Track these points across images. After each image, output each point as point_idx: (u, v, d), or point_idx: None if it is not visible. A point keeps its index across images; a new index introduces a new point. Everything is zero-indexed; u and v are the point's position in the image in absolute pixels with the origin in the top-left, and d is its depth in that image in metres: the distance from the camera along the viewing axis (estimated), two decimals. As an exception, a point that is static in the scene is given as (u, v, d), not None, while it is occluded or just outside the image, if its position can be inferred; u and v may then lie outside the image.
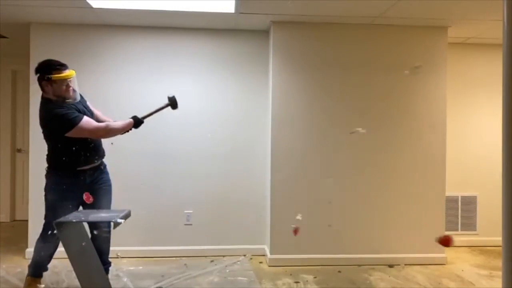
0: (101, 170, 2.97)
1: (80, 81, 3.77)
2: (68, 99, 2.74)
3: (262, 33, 3.95)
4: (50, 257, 2.86)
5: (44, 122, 2.72)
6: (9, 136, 5.25)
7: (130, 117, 2.93)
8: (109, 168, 3.81)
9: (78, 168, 2.80)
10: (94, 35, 3.83)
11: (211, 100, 3.95)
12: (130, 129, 2.94)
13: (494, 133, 4.29)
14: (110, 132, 2.85)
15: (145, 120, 3.01)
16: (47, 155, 2.82)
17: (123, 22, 3.76)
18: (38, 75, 2.71)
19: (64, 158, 2.74)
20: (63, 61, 2.77)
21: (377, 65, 3.77)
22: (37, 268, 2.83)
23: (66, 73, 2.71)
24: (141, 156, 3.87)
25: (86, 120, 2.70)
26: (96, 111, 3.03)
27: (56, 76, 2.66)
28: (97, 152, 2.93)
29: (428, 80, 3.81)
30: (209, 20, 3.68)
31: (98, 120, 2.92)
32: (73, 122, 2.64)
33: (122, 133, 2.93)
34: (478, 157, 4.34)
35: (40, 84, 2.72)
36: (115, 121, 2.94)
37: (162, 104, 3.01)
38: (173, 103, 3.01)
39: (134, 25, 3.84)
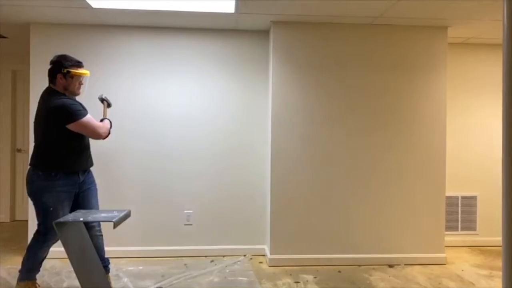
0: (89, 170, 2.97)
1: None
2: (75, 95, 2.82)
3: (262, 33, 3.95)
4: (45, 257, 2.85)
5: (47, 110, 2.68)
6: (9, 136, 5.25)
7: (101, 119, 2.96)
8: (110, 169, 3.83)
9: (79, 170, 2.79)
10: (94, 35, 3.83)
11: (211, 100, 3.95)
12: (109, 131, 2.96)
13: (494, 133, 4.29)
14: (106, 132, 2.87)
15: None
16: (39, 154, 2.73)
17: (123, 22, 3.76)
18: (52, 66, 2.73)
19: (65, 158, 2.72)
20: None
21: (377, 65, 3.77)
22: (33, 272, 2.81)
23: (84, 71, 2.82)
24: (141, 156, 3.87)
25: (89, 117, 2.75)
26: None
27: (74, 71, 2.73)
28: (90, 153, 2.95)
29: (428, 80, 3.81)
30: (209, 20, 3.68)
31: None
32: (78, 115, 2.67)
33: (105, 137, 2.94)
34: (478, 157, 4.34)
35: (52, 75, 2.74)
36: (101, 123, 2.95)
37: (103, 106, 3.07)
38: (108, 103, 3.08)
39: (134, 25, 3.84)
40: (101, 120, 2.95)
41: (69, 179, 2.74)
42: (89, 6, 3.29)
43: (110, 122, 2.98)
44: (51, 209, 2.67)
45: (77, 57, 3.80)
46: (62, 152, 2.71)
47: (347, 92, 3.76)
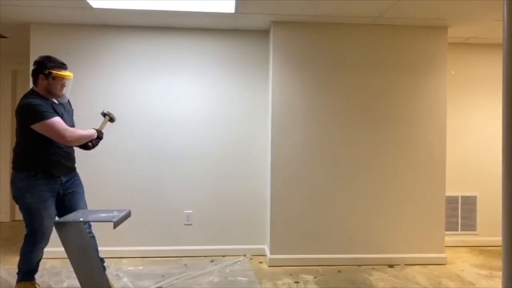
0: (74, 173, 2.90)
1: (79, 81, 3.80)
2: (56, 98, 2.75)
3: (262, 33, 3.95)
4: (41, 259, 2.82)
5: (17, 109, 2.65)
6: (9, 136, 5.25)
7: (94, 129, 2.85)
8: (109, 168, 3.83)
9: (58, 174, 2.73)
10: (94, 35, 3.83)
11: (211, 100, 3.95)
12: (96, 142, 2.83)
13: (494, 133, 4.28)
14: (77, 138, 2.71)
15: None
16: (17, 156, 2.69)
17: (123, 22, 3.76)
18: (35, 67, 2.69)
19: (42, 160, 2.65)
20: (63, 61, 2.79)
21: (377, 65, 3.77)
22: (31, 273, 2.78)
23: (67, 73, 2.74)
24: (141, 156, 3.87)
25: (57, 120, 2.62)
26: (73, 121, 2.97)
27: (56, 73, 2.67)
28: (71, 158, 2.86)
29: (428, 80, 3.81)
30: (209, 20, 3.68)
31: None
32: (43, 116, 2.57)
33: (91, 146, 2.82)
34: (478, 157, 4.34)
35: (34, 76, 2.69)
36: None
37: (104, 119, 2.99)
38: (110, 117, 3.01)
39: (134, 25, 3.84)
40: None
41: (50, 179, 2.68)
42: (89, 6, 3.29)
43: (99, 134, 2.84)
44: (37, 210, 2.63)
45: (77, 57, 3.83)
46: (37, 153, 2.65)
47: (347, 92, 3.76)
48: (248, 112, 3.98)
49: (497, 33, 3.90)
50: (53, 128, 2.60)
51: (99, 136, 2.86)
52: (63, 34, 3.80)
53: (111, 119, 3.03)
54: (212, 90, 3.95)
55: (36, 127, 2.58)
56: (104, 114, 3.01)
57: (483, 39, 4.17)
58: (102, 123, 2.97)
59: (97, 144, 2.86)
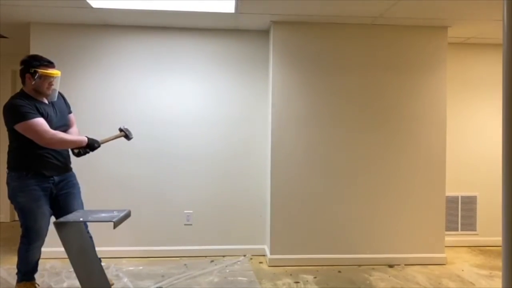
0: (69, 173, 2.89)
1: (79, 81, 3.81)
2: (46, 97, 2.73)
3: (262, 33, 3.95)
4: (39, 259, 2.82)
5: (2, 110, 2.65)
6: (9, 136, 5.24)
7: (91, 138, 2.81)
8: (109, 168, 3.83)
9: (51, 175, 2.72)
10: (94, 35, 3.83)
11: (211, 100, 3.95)
12: (84, 151, 2.76)
13: (494, 133, 4.29)
14: (58, 141, 2.66)
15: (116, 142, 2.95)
16: (9, 156, 2.69)
17: (123, 22, 3.76)
18: (22, 66, 2.67)
19: (33, 160, 2.64)
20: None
21: (377, 65, 3.77)
22: (30, 273, 2.79)
23: (54, 71, 2.70)
24: (142, 156, 3.87)
25: (39, 122, 2.58)
26: (72, 118, 2.96)
27: (42, 71, 2.64)
28: (65, 158, 2.83)
29: (428, 80, 3.81)
30: (209, 20, 3.68)
31: (69, 126, 2.87)
32: (25, 116, 2.55)
33: (76, 153, 2.77)
34: (478, 157, 4.34)
35: (22, 76, 2.68)
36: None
37: (116, 133, 2.98)
38: (125, 134, 3.01)
39: (134, 25, 3.84)
40: (89, 138, 2.80)
41: (42, 178, 2.68)
42: (89, 6, 3.29)
43: (92, 144, 2.76)
44: (30, 210, 2.64)
45: (77, 57, 3.83)
46: (27, 153, 2.64)
47: (347, 92, 3.76)
48: (248, 112, 3.98)
49: (497, 33, 3.90)
50: (33, 129, 2.57)
51: (91, 146, 2.77)
52: (63, 34, 3.79)
53: (127, 136, 3.01)
54: (212, 90, 3.95)
55: (18, 127, 2.58)
56: (120, 130, 2.99)
57: (483, 39, 4.17)
58: (111, 136, 2.93)
59: (84, 153, 2.78)
